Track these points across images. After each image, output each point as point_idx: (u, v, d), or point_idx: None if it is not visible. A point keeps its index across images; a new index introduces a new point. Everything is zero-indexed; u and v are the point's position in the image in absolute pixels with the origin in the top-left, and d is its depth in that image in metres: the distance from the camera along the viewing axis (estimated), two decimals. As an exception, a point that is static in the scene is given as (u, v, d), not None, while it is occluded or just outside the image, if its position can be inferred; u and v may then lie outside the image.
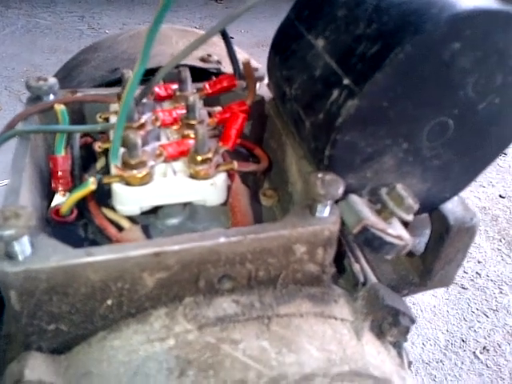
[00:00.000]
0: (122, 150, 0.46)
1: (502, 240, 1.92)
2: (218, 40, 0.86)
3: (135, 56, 0.74)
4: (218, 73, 0.72)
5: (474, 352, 1.54)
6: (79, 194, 0.44)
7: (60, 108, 0.49)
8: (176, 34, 0.82)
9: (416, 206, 0.42)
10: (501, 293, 1.73)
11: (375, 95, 0.40)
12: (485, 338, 1.60)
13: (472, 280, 1.76)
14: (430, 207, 0.49)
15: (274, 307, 0.43)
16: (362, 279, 0.49)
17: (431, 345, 1.55)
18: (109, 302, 0.40)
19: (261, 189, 0.57)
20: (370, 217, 0.42)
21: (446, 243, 0.48)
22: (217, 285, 0.43)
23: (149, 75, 0.53)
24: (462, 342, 1.58)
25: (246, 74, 0.54)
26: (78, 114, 0.57)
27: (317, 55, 0.47)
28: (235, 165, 0.49)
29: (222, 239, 0.40)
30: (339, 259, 0.49)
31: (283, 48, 0.53)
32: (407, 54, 0.38)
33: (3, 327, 0.49)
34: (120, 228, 0.48)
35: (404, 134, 0.42)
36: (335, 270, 0.47)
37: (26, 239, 0.37)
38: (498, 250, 1.88)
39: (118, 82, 0.70)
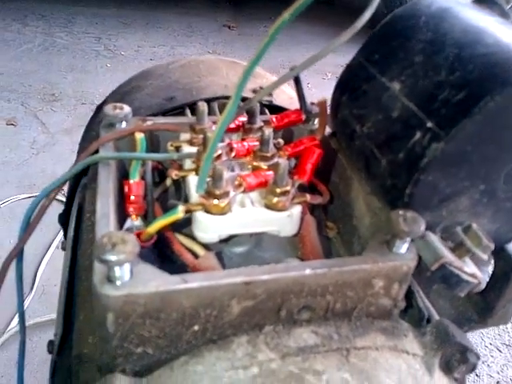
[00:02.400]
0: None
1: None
2: (264, 72, 0.89)
3: (190, 86, 0.76)
4: (270, 105, 0.75)
5: (489, 387, 1.53)
6: (167, 220, 0.45)
7: (140, 137, 0.51)
8: (225, 66, 0.85)
9: (492, 246, 0.44)
10: (513, 328, 1.73)
11: (460, 139, 0.42)
12: (498, 373, 1.60)
13: (485, 315, 1.76)
14: (497, 246, 0.50)
15: (352, 339, 0.44)
16: (427, 314, 0.50)
17: (447, 379, 1.54)
18: (195, 327, 0.41)
19: (322, 220, 0.58)
20: (448, 254, 0.44)
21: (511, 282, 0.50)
22: (296, 315, 0.44)
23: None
24: (475, 377, 1.57)
25: (320, 111, 0.56)
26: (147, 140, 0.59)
27: (393, 97, 0.49)
28: (308, 197, 0.50)
29: (308, 271, 0.42)
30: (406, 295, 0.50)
31: (352, 87, 0.55)
32: (496, 103, 0.40)
33: (73, 347, 0.49)
34: (194, 254, 0.49)
35: (482, 176, 0.44)
36: (405, 304, 0.48)
37: (127, 265, 0.38)
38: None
39: (174, 109, 0.73)
